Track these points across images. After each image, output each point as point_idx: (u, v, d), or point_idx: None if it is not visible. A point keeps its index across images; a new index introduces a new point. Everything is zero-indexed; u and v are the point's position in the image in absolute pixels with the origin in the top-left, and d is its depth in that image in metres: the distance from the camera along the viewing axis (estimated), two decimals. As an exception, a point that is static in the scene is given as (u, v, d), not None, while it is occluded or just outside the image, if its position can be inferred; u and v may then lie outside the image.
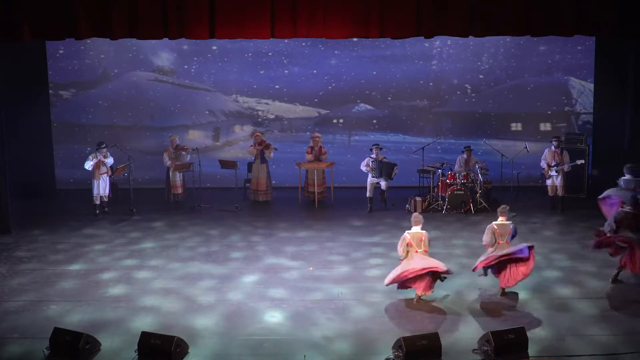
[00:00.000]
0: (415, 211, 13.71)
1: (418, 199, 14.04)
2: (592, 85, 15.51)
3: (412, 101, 15.98)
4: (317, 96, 15.95)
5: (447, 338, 8.24)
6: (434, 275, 9.36)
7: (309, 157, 14.66)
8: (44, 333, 8.33)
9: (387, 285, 9.49)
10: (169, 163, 14.45)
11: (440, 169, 14.35)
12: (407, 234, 9.41)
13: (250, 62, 15.76)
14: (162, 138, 15.52)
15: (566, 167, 13.85)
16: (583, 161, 13.91)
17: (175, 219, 13.55)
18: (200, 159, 14.24)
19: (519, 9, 10.95)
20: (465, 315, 9.06)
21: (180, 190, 14.63)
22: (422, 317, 9.00)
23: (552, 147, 13.96)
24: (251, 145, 14.74)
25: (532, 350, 7.99)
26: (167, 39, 11.18)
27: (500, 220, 9.70)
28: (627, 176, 11.88)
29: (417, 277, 9.24)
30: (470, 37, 11.66)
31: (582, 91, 15.74)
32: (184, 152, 14.52)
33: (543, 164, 14.06)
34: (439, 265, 9.30)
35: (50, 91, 15.54)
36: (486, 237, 9.67)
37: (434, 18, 10.98)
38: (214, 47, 15.66)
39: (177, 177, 14.56)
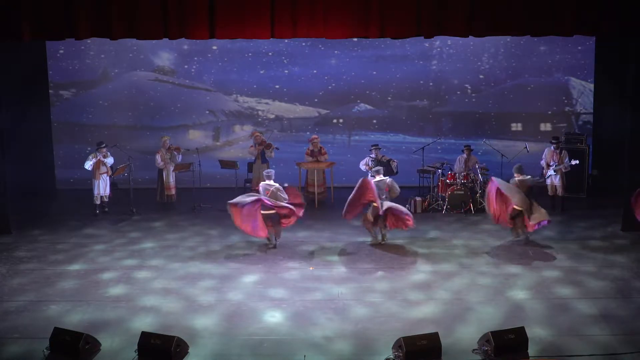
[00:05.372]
0: (415, 211, 13.74)
1: (418, 199, 14.03)
2: (592, 85, 15.51)
3: (412, 101, 15.97)
4: (317, 96, 15.94)
5: (447, 338, 8.22)
6: None
7: (309, 158, 14.66)
8: (44, 333, 8.32)
9: None
10: (161, 164, 14.34)
11: (440, 169, 14.35)
12: None
13: (250, 62, 15.75)
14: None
15: (563, 168, 13.84)
16: (577, 161, 13.89)
17: (175, 219, 13.54)
18: (200, 159, 14.23)
19: (519, 9, 10.93)
20: (465, 315, 9.05)
21: (173, 192, 14.50)
22: (422, 317, 9.00)
23: (552, 147, 13.96)
24: (251, 146, 14.73)
25: (532, 350, 7.98)
26: (167, 39, 11.18)
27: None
28: None
29: None
30: (470, 37, 11.65)
31: (582, 91, 15.73)
32: (176, 153, 14.44)
33: (543, 164, 14.06)
34: None
35: (50, 91, 15.53)
36: None
37: (434, 18, 10.96)
38: (214, 47, 15.66)
39: (171, 179, 14.42)
